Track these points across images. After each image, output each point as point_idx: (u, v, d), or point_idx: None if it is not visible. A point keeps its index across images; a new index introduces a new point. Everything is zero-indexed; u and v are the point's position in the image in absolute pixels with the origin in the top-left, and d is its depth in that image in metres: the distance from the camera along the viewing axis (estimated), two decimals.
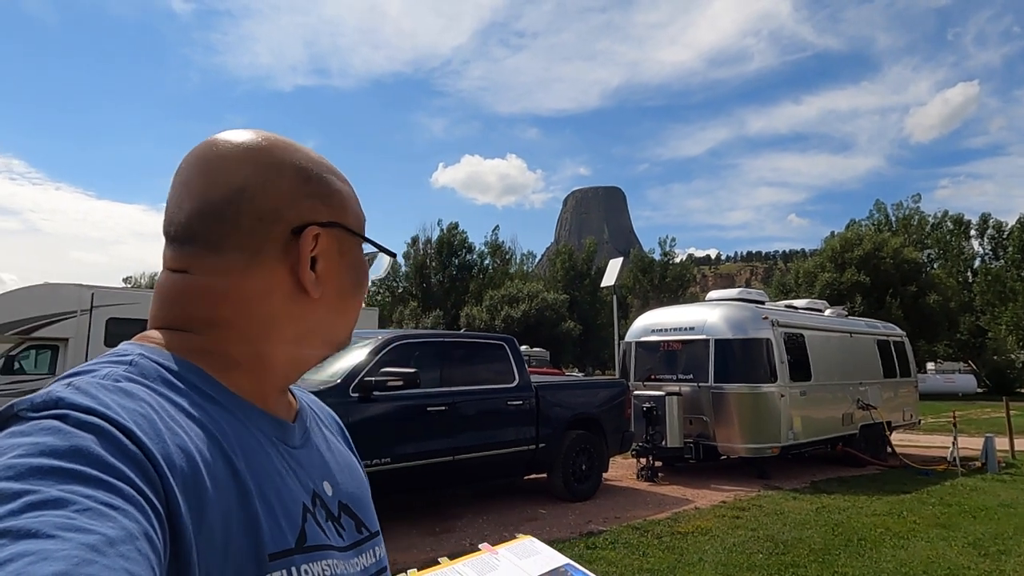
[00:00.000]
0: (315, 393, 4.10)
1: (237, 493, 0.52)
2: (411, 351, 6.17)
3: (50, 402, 0.46)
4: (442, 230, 51.65)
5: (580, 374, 34.48)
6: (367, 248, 0.68)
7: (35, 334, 11.65)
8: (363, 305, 0.70)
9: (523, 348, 27.47)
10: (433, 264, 50.49)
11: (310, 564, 0.55)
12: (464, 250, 51.61)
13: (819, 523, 6.20)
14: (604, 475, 7.80)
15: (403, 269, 50.79)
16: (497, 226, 57.32)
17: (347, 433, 0.79)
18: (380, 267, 0.73)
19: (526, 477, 7.25)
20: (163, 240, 0.62)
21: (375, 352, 5.80)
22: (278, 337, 0.61)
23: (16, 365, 11.72)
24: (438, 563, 0.85)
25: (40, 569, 0.35)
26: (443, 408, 6.08)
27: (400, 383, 5.56)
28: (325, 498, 0.62)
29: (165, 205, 0.63)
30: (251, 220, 0.59)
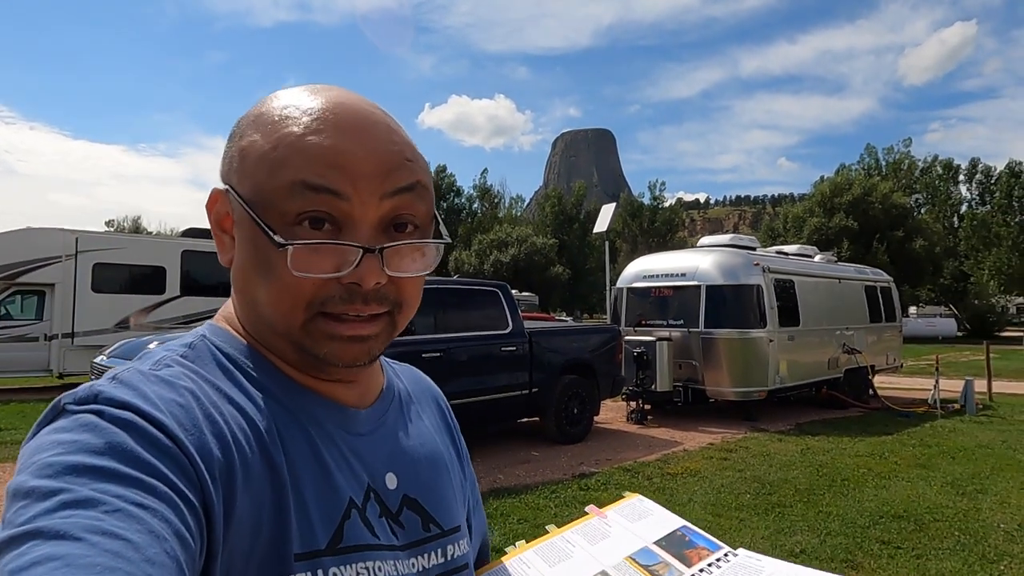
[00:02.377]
0: None
1: (272, 487, 0.50)
2: None
3: (90, 396, 0.46)
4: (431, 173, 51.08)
5: (568, 318, 34.80)
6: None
7: (20, 279, 11.51)
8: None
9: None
10: None
11: (341, 567, 0.52)
12: (452, 193, 51.17)
13: (804, 464, 6.39)
14: (595, 418, 7.96)
15: None
16: (485, 169, 56.98)
17: (449, 414, 0.74)
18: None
19: (520, 421, 7.38)
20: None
21: None
22: (244, 308, 0.58)
23: (3, 310, 11.62)
24: (547, 531, 0.78)
25: None
26: (438, 354, 6.13)
27: None
28: (384, 492, 0.58)
29: None
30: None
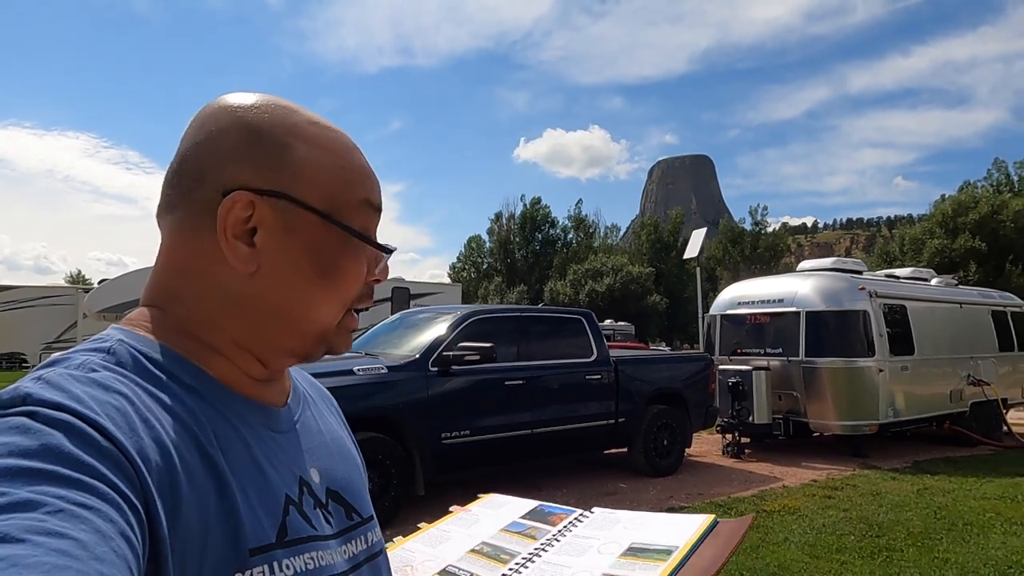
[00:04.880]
0: (394, 368, 4.18)
1: (215, 487, 0.50)
2: (489, 326, 6.23)
3: (17, 399, 0.44)
4: (525, 205, 51.80)
5: (667, 348, 33.87)
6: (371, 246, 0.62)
7: None
8: (371, 301, 0.62)
9: (607, 322, 27.43)
10: (517, 239, 50.79)
11: (292, 559, 0.54)
12: (547, 224, 51.58)
13: (920, 505, 5.84)
14: (687, 451, 7.66)
15: (487, 245, 51.36)
16: (580, 199, 57.58)
17: (342, 413, 0.77)
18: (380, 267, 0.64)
19: (606, 451, 7.22)
20: None
21: (453, 327, 5.90)
22: (234, 315, 0.57)
23: None
24: (419, 528, 0.90)
25: None
26: (521, 382, 6.12)
27: (477, 357, 5.64)
28: (312, 485, 0.60)
29: None
30: (194, 178, 0.57)
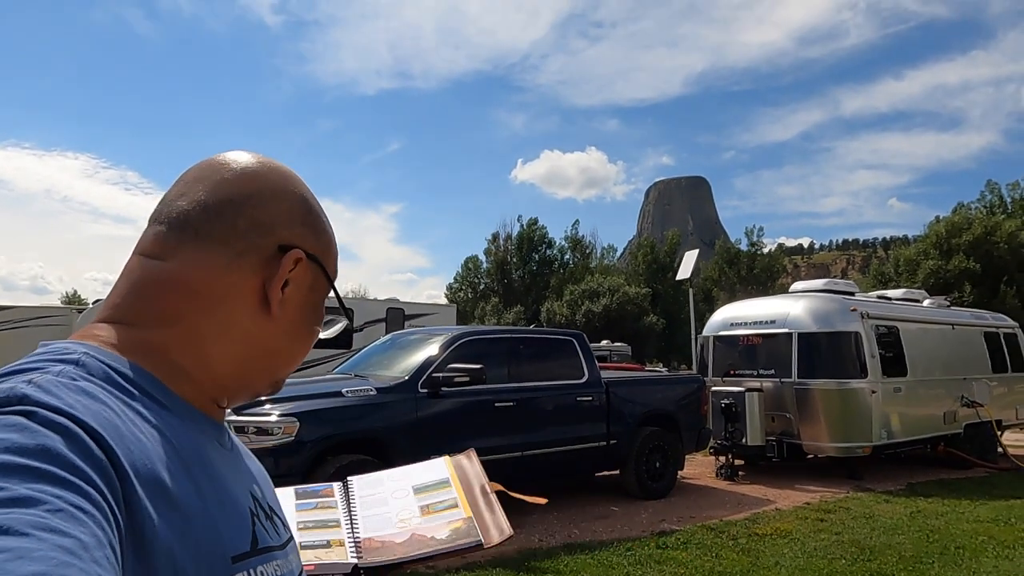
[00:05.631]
0: (384, 389, 4.21)
1: (197, 499, 0.52)
2: (479, 347, 6.22)
3: (13, 398, 0.45)
4: (522, 226, 51.90)
5: (663, 369, 33.82)
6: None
7: None
8: (315, 343, 0.71)
9: (603, 343, 27.36)
10: (514, 260, 50.84)
11: (264, 565, 0.57)
12: (544, 245, 51.66)
13: (912, 528, 5.80)
14: (680, 473, 7.61)
15: (484, 265, 51.42)
16: (577, 220, 57.59)
17: None
18: (333, 327, 0.77)
19: (598, 474, 7.17)
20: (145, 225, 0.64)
21: (443, 348, 5.89)
22: (230, 348, 0.61)
23: None
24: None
25: (19, 567, 0.35)
26: (511, 404, 6.10)
27: (467, 379, 5.63)
28: (260, 499, 0.64)
29: (162, 198, 0.65)
30: (247, 223, 0.62)
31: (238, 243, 0.60)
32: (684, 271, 13.45)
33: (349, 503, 1.00)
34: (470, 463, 1.03)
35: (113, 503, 0.43)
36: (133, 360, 0.56)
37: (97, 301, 16.27)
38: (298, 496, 1.03)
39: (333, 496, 1.02)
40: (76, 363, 0.52)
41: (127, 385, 0.53)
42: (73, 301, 56.45)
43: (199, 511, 0.51)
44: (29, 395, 0.45)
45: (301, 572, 0.68)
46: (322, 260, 0.66)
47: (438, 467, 1.03)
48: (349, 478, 1.06)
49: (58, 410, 0.45)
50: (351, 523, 0.94)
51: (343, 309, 0.72)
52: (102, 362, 0.54)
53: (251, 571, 0.55)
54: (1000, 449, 9.50)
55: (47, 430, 0.43)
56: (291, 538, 0.68)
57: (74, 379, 0.50)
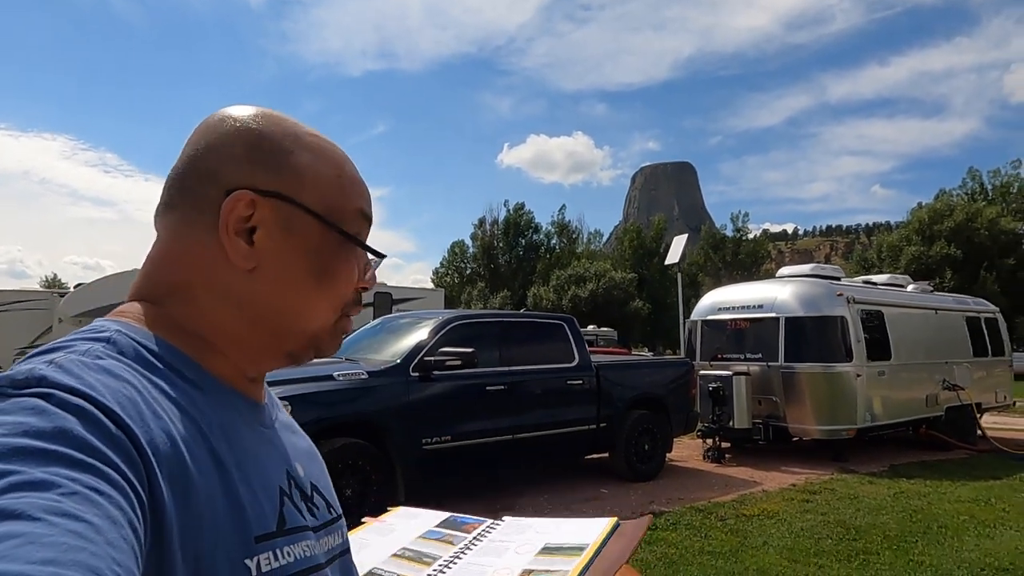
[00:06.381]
0: (375, 373, 4.20)
1: (220, 477, 0.51)
2: (470, 331, 6.21)
3: (32, 380, 0.45)
4: (508, 211, 51.85)
5: (649, 353, 34.07)
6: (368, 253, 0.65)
7: None
8: (360, 305, 0.65)
9: (590, 328, 27.46)
10: (500, 245, 50.81)
11: (291, 547, 0.56)
12: (531, 230, 51.66)
13: (896, 508, 5.91)
14: (669, 456, 7.69)
15: (470, 250, 51.32)
16: (564, 205, 57.94)
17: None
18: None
19: (588, 456, 7.23)
20: None
21: (435, 332, 5.88)
22: (236, 313, 0.59)
23: None
24: None
25: (28, 553, 0.34)
26: (502, 387, 6.12)
27: (458, 363, 5.63)
28: (298, 479, 0.62)
29: None
30: (196, 178, 0.59)
31: (198, 202, 0.58)
32: (673, 256, 13.51)
33: (471, 543, 0.93)
34: (632, 534, 0.90)
35: (136, 482, 0.43)
36: (161, 336, 0.56)
37: (79, 285, 16.04)
38: (440, 525, 0.98)
39: (467, 533, 0.95)
40: (107, 340, 0.52)
41: (154, 361, 0.53)
42: (53, 285, 55.68)
43: (219, 490, 0.51)
44: (47, 376, 0.45)
45: (344, 552, 0.67)
46: (291, 194, 0.58)
47: (592, 529, 0.91)
48: (504, 516, 0.99)
49: (75, 391, 0.44)
50: (444, 566, 0.87)
51: (360, 245, 0.62)
52: (132, 338, 0.54)
53: (277, 551, 0.54)
54: (980, 432, 9.68)
55: (64, 412, 0.43)
56: (335, 519, 0.66)
57: (99, 357, 0.50)
